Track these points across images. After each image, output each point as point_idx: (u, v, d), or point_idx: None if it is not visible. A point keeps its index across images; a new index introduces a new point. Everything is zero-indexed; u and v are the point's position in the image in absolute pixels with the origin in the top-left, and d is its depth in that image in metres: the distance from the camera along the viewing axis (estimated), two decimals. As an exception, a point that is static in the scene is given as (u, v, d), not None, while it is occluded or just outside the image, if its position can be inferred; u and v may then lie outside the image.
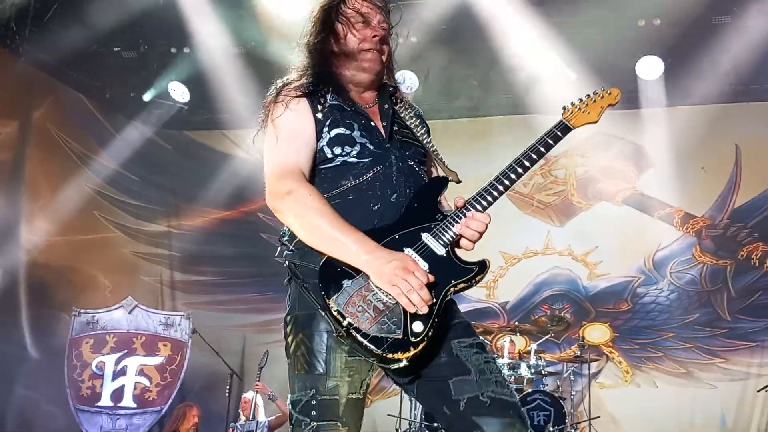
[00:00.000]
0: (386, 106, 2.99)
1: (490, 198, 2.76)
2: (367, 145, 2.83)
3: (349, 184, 2.77)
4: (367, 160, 2.80)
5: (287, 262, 2.80)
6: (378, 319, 2.50)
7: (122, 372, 9.69)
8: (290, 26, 9.35)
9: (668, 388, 9.94)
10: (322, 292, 2.56)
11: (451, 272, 2.65)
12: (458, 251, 2.75)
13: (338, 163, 2.79)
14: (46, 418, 9.69)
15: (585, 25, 9.05)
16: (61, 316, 10.35)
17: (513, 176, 2.79)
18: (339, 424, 2.61)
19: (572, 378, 9.10)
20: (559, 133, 2.89)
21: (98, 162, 10.92)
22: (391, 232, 2.68)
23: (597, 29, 9.16)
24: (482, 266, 2.69)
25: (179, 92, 10.81)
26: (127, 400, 9.39)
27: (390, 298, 2.53)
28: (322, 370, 2.65)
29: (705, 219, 10.26)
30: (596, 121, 2.96)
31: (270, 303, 11.25)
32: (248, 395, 9.21)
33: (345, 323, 2.49)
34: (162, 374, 9.75)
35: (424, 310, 2.51)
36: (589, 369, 9.22)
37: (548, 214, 10.68)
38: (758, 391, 9.18)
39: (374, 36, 2.95)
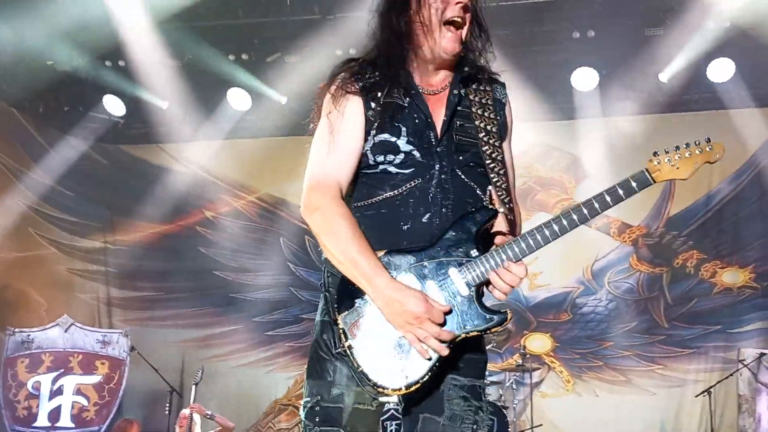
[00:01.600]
0: (456, 92, 2.76)
1: (534, 245, 2.59)
2: (413, 152, 2.66)
3: (384, 195, 2.66)
4: (407, 171, 2.66)
5: (323, 267, 2.74)
6: (380, 348, 2.47)
7: (59, 392, 9.52)
8: (227, 39, 9.33)
9: (608, 396, 10.05)
10: (336, 305, 2.55)
11: (469, 317, 2.54)
12: (484, 295, 2.61)
13: (378, 171, 2.68)
14: (-20, 439, 9.46)
15: (520, 37, 9.13)
16: (-6, 336, 10.14)
17: (566, 224, 2.60)
18: (342, 431, 2.55)
19: (514, 387, 9.14)
20: (635, 187, 2.60)
21: (32, 177, 10.70)
22: (419, 259, 2.57)
23: (532, 41, 9.25)
24: (502, 319, 2.57)
25: (114, 106, 10.64)
26: (65, 420, 9.22)
27: (398, 331, 2.48)
28: (329, 378, 2.60)
29: (641, 228, 10.40)
30: (685, 179, 2.64)
31: (209, 317, 11.15)
32: (186, 411, 9.07)
33: (346, 344, 2.48)
34: (100, 393, 9.60)
35: (445, 352, 2.46)
36: (530, 378, 9.28)
37: (488, 225, 10.71)
38: (696, 396, 9.32)
39: (458, 3, 2.68)
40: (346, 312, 2.52)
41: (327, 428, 2.57)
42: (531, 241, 2.59)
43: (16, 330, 9.91)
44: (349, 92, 2.70)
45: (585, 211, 2.60)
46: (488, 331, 2.56)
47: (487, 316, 2.56)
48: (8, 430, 9.06)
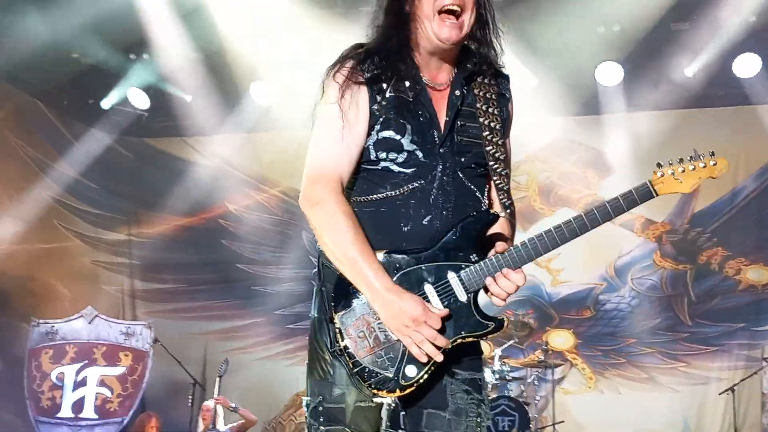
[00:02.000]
0: (458, 92, 2.70)
1: (534, 253, 2.59)
2: (416, 152, 2.60)
3: (385, 194, 2.61)
4: (409, 171, 2.61)
5: (318, 259, 2.70)
6: (375, 350, 2.47)
7: (83, 383, 9.57)
8: (250, 32, 9.33)
9: (631, 394, 10.00)
10: (332, 303, 2.54)
11: (466, 323, 2.53)
12: (481, 301, 2.59)
13: (380, 167, 2.62)
14: (6, 428, 9.54)
15: (545, 31, 9.08)
16: (20, 326, 10.21)
17: (567, 234, 2.60)
18: (347, 429, 2.56)
19: (536, 383, 9.12)
20: (638, 199, 2.60)
21: (57, 170, 10.77)
22: (418, 262, 2.54)
23: (557, 35, 9.19)
24: (499, 325, 2.57)
25: (139, 99, 10.69)
26: (88, 411, 9.26)
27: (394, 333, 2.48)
28: (330, 378, 2.59)
29: (665, 224, 10.33)
30: (687, 193, 2.67)
31: (231, 310, 11.20)
32: (209, 403, 9.10)
33: (342, 344, 2.48)
34: (123, 384, 9.65)
35: (439, 358, 2.45)
36: (552, 374, 9.27)
37: (511, 220, 10.66)
38: (720, 394, 9.26)
39: None
40: (343, 311, 2.52)
41: (332, 427, 2.58)
42: (531, 250, 2.58)
43: (41, 321, 9.98)
44: (355, 83, 2.62)
45: (586, 221, 2.59)
46: (484, 337, 2.56)
47: (484, 322, 2.55)
48: (32, 421, 9.11)
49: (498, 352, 8.64)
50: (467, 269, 2.55)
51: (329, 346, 2.57)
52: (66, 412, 9.23)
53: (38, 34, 9.04)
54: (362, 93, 2.62)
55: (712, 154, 2.63)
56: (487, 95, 2.73)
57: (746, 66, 9.45)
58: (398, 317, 2.44)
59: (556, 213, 10.56)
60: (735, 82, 9.69)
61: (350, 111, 2.60)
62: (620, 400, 10.01)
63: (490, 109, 2.72)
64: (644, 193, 2.60)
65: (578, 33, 9.24)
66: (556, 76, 9.59)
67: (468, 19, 2.63)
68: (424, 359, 2.44)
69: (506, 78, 2.86)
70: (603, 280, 10.34)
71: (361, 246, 2.50)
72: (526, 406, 8.30)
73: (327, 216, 2.54)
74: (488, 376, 8.30)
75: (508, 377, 8.53)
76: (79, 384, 9.38)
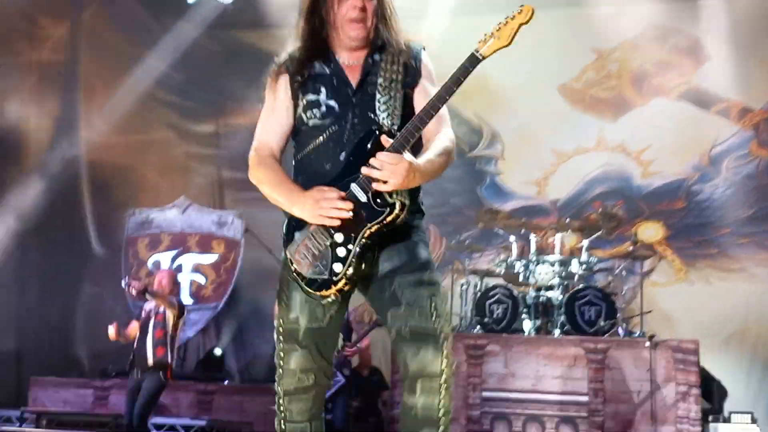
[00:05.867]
0: (371, 60, 3.15)
1: (401, 141, 2.87)
2: (331, 104, 3.09)
3: (315, 143, 3.10)
4: (327, 120, 3.08)
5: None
6: (314, 263, 2.96)
7: (178, 269, 9.89)
8: None
9: (722, 285, 9.87)
10: (284, 239, 3.07)
11: (367, 216, 2.90)
12: (380, 195, 2.89)
13: (310, 125, 3.11)
14: (108, 313, 9.83)
15: None
16: (119, 215, 10.56)
17: (426, 119, 2.90)
18: (298, 347, 3.09)
19: (624, 274, 9.05)
20: (468, 66, 2.91)
21: (147, 63, 10.91)
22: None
23: None
24: (391, 208, 2.89)
25: (225, -8, 10.68)
26: (184, 297, 9.52)
27: (321, 244, 2.94)
28: (288, 303, 3.12)
29: (763, 112, 10.01)
30: (508, 45, 2.92)
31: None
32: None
33: (293, 268, 3.00)
34: (217, 272, 9.96)
35: (345, 214, 2.85)
36: (641, 267, 9.15)
37: (601, 110, 10.49)
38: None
39: (355, 6, 3.09)
40: (290, 245, 3.03)
41: (288, 345, 3.11)
42: (401, 139, 2.88)
43: (137, 210, 10.30)
44: (278, 73, 3.18)
45: (438, 104, 2.90)
46: (384, 223, 2.88)
47: (378, 210, 2.90)
48: (131, 306, 9.38)
49: (585, 243, 8.58)
50: (363, 178, 2.89)
51: (288, 276, 3.08)
52: (162, 296, 9.55)
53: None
54: (284, 79, 3.18)
55: (522, 6, 2.90)
56: (391, 63, 3.13)
57: None
58: (307, 203, 2.92)
59: (649, 102, 10.31)
60: None
61: (275, 96, 3.20)
62: (711, 291, 9.90)
63: (395, 68, 3.12)
64: (471, 60, 2.91)
65: None
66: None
67: (369, 21, 3.11)
68: (336, 222, 2.87)
69: (415, 49, 3.23)
70: (696, 170, 10.10)
71: (276, 183, 3.08)
72: (612, 297, 8.27)
73: (253, 175, 3.15)
74: (575, 267, 8.27)
75: (594, 268, 8.49)
76: (175, 271, 9.62)
